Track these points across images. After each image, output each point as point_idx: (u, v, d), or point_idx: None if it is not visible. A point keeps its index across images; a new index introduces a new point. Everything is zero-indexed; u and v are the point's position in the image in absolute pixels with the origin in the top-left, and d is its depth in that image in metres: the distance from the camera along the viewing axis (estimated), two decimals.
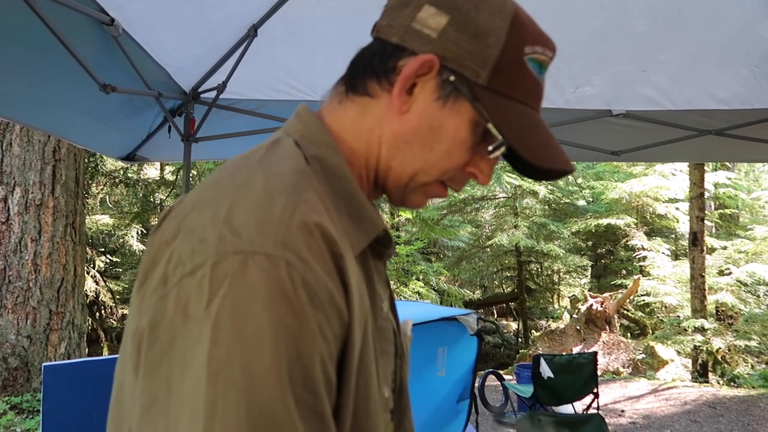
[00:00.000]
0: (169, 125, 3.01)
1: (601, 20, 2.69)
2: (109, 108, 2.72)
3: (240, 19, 2.57)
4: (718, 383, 8.55)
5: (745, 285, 11.29)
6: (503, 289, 17.09)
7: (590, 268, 16.21)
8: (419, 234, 12.48)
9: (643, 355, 10.24)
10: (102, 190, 10.81)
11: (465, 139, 0.67)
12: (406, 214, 12.02)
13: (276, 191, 0.56)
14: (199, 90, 2.98)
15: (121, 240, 11.31)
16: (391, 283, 0.77)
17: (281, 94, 3.13)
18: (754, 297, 11.43)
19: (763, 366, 9.75)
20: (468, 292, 15.15)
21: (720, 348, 9.37)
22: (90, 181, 9.63)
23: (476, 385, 4.71)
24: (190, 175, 3.26)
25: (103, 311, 11.40)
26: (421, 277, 12.09)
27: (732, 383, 8.46)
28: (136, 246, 11.37)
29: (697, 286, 9.77)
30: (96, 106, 2.62)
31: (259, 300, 0.49)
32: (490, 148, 0.67)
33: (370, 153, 0.69)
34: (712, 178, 13.03)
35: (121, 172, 10.16)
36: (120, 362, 0.61)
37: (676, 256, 14.28)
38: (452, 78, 0.65)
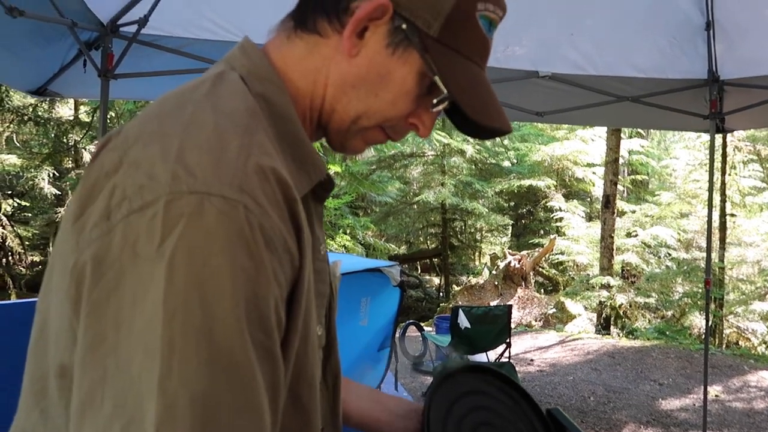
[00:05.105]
0: (84, 59, 2.82)
1: None
2: (16, 35, 2.51)
3: None
4: (618, 335, 9.25)
5: (649, 246, 12.15)
6: (428, 245, 17.52)
7: (511, 227, 16.88)
8: (348, 188, 12.49)
9: (554, 310, 10.90)
10: (8, 127, 10.03)
11: (411, 90, 0.67)
12: (335, 168, 11.95)
13: (228, 131, 0.55)
14: (119, 23, 2.80)
15: (30, 182, 10.61)
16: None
17: (208, 34, 2.99)
18: (656, 258, 12.33)
19: (659, 320, 10.63)
20: (393, 246, 15.46)
21: (622, 304, 10.11)
22: None
23: (397, 334, 4.86)
24: (108, 115, 3.09)
25: (10, 257, 10.76)
26: (348, 231, 12.18)
27: (630, 335, 9.18)
28: (48, 189, 10.71)
29: (607, 246, 10.41)
30: (0, 31, 2.41)
31: (216, 243, 0.49)
32: (435, 101, 0.67)
33: (315, 93, 0.68)
34: (627, 145, 13.73)
35: (31, 108, 9.45)
36: (43, 297, 0.59)
37: (589, 217, 15.07)
38: (404, 26, 0.64)
